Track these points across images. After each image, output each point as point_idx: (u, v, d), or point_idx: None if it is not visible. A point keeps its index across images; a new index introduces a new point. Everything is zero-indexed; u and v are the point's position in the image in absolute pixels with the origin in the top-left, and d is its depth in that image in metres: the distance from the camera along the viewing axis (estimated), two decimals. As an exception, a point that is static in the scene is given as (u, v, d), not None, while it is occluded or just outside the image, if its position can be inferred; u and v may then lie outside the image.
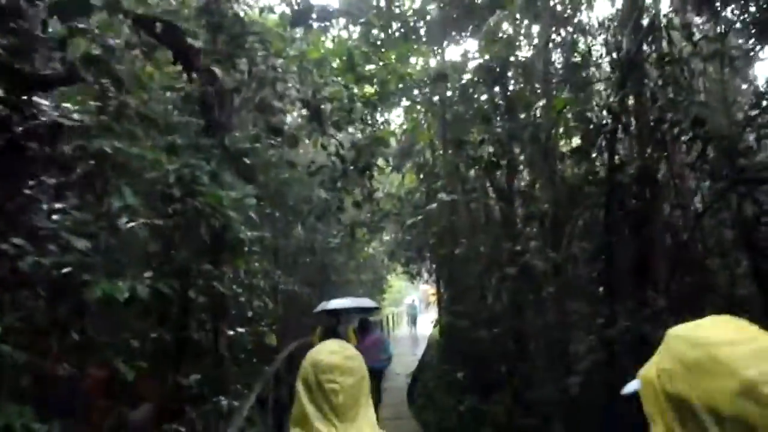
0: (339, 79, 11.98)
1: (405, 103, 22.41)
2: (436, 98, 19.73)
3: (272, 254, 19.63)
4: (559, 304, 9.84)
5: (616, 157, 8.06)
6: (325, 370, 2.11)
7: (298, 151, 18.86)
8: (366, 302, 15.11)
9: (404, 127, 22.57)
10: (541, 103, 10.28)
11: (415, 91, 21.30)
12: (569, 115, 9.61)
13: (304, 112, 11.25)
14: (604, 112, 8.09)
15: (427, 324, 39.28)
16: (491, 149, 11.13)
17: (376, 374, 11.54)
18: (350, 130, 12.99)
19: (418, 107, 21.66)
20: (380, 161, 23.97)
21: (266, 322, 14.97)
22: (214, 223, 7.05)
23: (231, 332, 9.67)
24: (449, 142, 15.54)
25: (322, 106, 10.25)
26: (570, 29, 12.54)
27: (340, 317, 12.98)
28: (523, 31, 14.96)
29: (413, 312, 37.89)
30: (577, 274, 9.36)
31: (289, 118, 11.98)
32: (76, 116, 5.98)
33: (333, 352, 2.18)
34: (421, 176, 21.14)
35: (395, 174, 22.68)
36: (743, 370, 1.13)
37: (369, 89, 17.68)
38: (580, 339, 8.37)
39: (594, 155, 8.67)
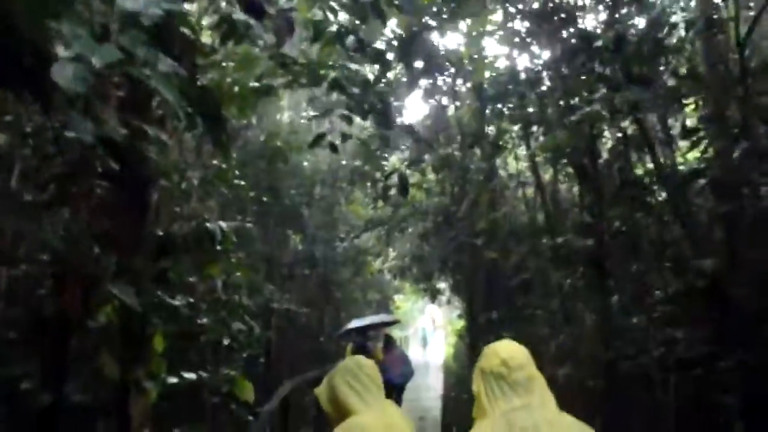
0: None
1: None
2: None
3: (262, 263, 15.66)
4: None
5: None
6: (361, 367, 2.98)
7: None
8: (385, 317, 16.77)
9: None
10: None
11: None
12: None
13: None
14: None
15: (437, 348, 35.65)
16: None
17: (398, 388, 12.49)
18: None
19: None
20: (393, 158, 20.25)
21: (248, 353, 10.96)
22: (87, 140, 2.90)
23: (175, 379, 5.69)
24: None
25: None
26: None
27: (367, 334, 14.09)
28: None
29: (425, 334, 37.39)
30: None
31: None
32: None
33: (363, 359, 3.10)
34: (445, 172, 17.17)
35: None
36: (501, 354, 2.58)
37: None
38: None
39: None
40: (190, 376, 5.80)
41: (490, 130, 15.55)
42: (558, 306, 9.96)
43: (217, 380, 6.28)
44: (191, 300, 6.93)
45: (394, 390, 12.15)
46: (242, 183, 9.70)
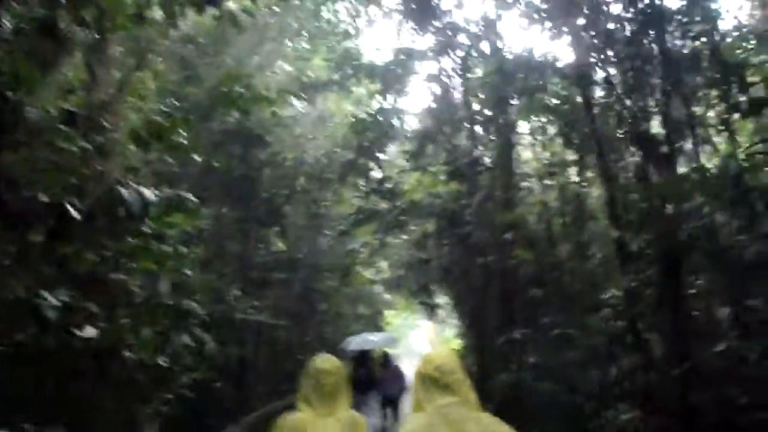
0: None
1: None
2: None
3: (231, 263, 13.10)
4: None
5: None
6: (318, 372, 3.45)
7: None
8: (389, 339, 18.11)
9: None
10: None
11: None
12: None
13: None
14: None
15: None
16: None
17: (393, 401, 13.38)
18: None
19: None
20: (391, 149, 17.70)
21: (195, 376, 8.37)
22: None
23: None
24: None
25: None
26: None
27: (366, 352, 15.04)
28: None
29: (421, 353, 35.05)
30: None
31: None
32: None
33: (324, 362, 3.53)
34: (449, 168, 14.58)
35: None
36: (436, 361, 3.03)
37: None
38: None
39: None
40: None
41: (508, 115, 13.10)
42: (614, 325, 7.37)
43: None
44: (66, 299, 4.32)
45: (390, 403, 13.40)
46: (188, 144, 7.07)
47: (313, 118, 17.62)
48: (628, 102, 7.88)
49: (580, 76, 8.10)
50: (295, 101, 17.04)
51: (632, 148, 7.40)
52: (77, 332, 4.47)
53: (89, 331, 4.56)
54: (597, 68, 9.12)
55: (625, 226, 6.94)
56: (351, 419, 3.45)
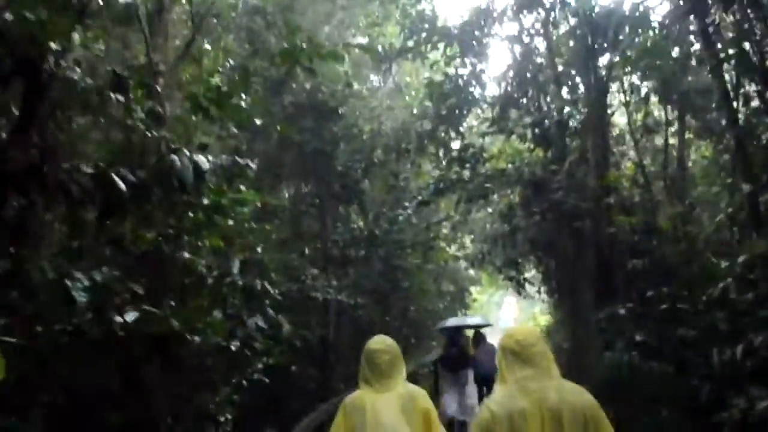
0: None
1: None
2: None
3: (311, 242, 12.64)
4: None
5: None
6: (372, 352, 3.75)
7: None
8: (483, 320, 16.84)
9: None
10: None
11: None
12: None
13: None
14: None
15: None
16: None
17: (488, 381, 12.56)
18: None
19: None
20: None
21: (266, 361, 7.82)
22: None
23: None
24: None
25: None
26: None
27: (457, 331, 14.26)
28: None
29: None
30: None
31: None
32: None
33: (377, 343, 3.80)
34: (535, 132, 13.62)
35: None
36: (516, 336, 3.16)
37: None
38: None
39: None
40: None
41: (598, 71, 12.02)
42: (740, 297, 6.37)
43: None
44: (98, 278, 3.78)
45: (485, 381, 12.71)
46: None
47: (389, 88, 16.95)
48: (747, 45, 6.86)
49: (699, 16, 7.02)
50: (369, 71, 16.47)
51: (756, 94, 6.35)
52: (116, 318, 3.94)
53: (130, 316, 4.03)
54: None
55: (754, 180, 5.92)
56: (409, 393, 3.71)
